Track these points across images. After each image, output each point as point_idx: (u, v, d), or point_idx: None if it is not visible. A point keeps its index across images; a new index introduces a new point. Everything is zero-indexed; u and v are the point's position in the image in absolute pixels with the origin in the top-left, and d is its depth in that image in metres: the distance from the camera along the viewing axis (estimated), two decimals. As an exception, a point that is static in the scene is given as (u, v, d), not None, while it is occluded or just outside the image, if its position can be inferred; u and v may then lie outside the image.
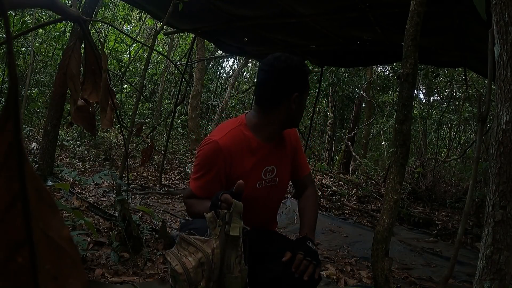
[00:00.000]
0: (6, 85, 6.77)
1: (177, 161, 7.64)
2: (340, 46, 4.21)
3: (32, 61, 6.88)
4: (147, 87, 13.39)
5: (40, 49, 8.70)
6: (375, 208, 5.62)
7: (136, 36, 11.67)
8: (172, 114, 5.23)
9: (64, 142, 6.46)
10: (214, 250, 1.12)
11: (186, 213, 2.51)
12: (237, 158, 1.48)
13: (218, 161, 1.46)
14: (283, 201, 3.37)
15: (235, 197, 1.19)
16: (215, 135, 1.51)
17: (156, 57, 12.70)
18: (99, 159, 6.19)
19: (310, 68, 8.10)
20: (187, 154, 8.64)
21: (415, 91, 8.50)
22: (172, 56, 13.24)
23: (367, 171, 8.53)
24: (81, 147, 6.79)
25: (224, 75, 17.48)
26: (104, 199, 3.82)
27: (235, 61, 16.01)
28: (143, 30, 13.20)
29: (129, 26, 10.56)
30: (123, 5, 9.70)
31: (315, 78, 9.44)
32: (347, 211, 5.34)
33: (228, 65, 21.82)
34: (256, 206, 1.51)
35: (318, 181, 6.88)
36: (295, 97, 1.50)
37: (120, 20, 9.68)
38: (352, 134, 9.55)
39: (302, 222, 1.59)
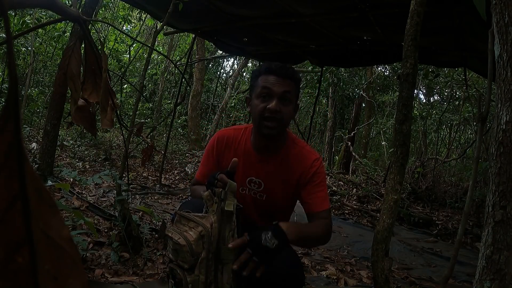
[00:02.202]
0: (6, 85, 6.76)
1: (177, 161, 7.64)
2: (340, 46, 4.21)
3: (32, 61, 6.87)
4: (147, 87, 13.38)
5: (40, 49, 8.70)
6: (375, 208, 5.62)
7: (136, 36, 11.66)
8: (172, 114, 5.23)
9: (64, 142, 6.46)
10: (212, 225, 1.22)
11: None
12: (226, 152, 1.61)
13: (213, 149, 1.63)
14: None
15: (229, 176, 1.30)
16: (223, 128, 1.72)
17: (156, 57, 12.69)
18: (99, 159, 6.19)
19: (310, 68, 8.13)
20: (187, 154, 8.64)
21: (415, 91, 8.49)
22: (172, 56, 13.24)
23: (367, 171, 8.52)
24: (81, 147, 6.78)
25: (224, 75, 17.50)
26: (104, 199, 3.82)
27: (235, 61, 16.02)
28: (143, 30, 13.19)
29: (129, 26, 10.56)
30: (123, 5, 9.69)
31: (315, 78, 9.44)
32: (347, 211, 5.34)
33: (228, 65, 21.85)
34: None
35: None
36: (248, 100, 1.58)
37: (120, 20, 9.67)
38: (352, 134, 9.55)
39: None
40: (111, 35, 10.52)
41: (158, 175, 5.32)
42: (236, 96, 12.66)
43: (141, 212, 3.30)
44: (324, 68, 6.21)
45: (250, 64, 13.46)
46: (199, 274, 1.19)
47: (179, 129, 11.20)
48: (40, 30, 8.11)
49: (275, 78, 1.45)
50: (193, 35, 5.39)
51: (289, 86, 1.46)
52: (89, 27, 0.97)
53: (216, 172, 1.33)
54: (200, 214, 1.26)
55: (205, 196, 1.26)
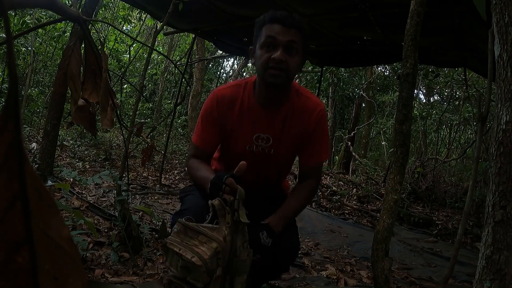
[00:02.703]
0: (6, 85, 6.76)
1: (177, 161, 7.64)
2: (340, 46, 4.21)
3: (32, 61, 6.87)
4: (147, 87, 13.38)
5: (40, 49, 8.69)
6: (375, 208, 5.62)
7: (136, 36, 11.66)
8: (172, 114, 5.23)
9: (64, 142, 6.46)
10: (226, 238, 1.14)
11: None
12: (229, 112, 1.49)
13: (213, 111, 1.49)
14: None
15: (236, 180, 1.22)
16: (220, 87, 1.57)
17: (156, 57, 12.69)
18: (99, 159, 6.19)
19: (310, 68, 8.12)
20: (187, 154, 8.63)
21: (415, 91, 8.49)
22: (172, 56, 13.24)
23: (367, 171, 8.52)
24: (81, 147, 6.78)
25: (224, 75, 17.49)
26: (104, 199, 3.82)
27: (235, 61, 16.02)
28: (143, 30, 13.19)
29: (129, 26, 10.56)
30: (123, 5, 9.69)
31: (315, 78, 9.44)
32: (347, 211, 5.34)
33: (228, 65, 21.81)
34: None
35: (318, 181, 6.87)
36: (252, 51, 1.48)
37: (120, 20, 9.67)
38: (352, 134, 9.55)
39: (277, 209, 1.47)
40: (111, 35, 10.52)
41: (158, 175, 5.32)
42: (236, 96, 12.65)
43: (141, 212, 3.30)
44: (324, 68, 6.21)
45: (250, 64, 13.45)
46: None
47: (179, 129, 11.20)
48: (40, 30, 8.11)
49: (280, 27, 1.37)
50: (193, 35, 5.39)
51: (295, 36, 1.38)
52: (89, 27, 0.97)
53: (223, 175, 1.25)
54: (209, 225, 1.17)
55: (217, 205, 1.17)
